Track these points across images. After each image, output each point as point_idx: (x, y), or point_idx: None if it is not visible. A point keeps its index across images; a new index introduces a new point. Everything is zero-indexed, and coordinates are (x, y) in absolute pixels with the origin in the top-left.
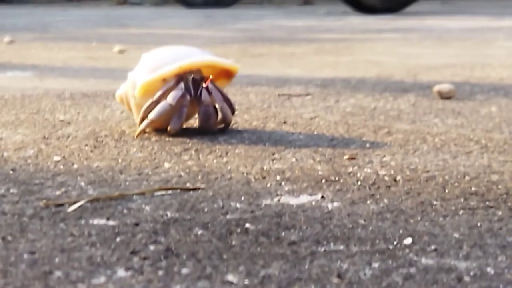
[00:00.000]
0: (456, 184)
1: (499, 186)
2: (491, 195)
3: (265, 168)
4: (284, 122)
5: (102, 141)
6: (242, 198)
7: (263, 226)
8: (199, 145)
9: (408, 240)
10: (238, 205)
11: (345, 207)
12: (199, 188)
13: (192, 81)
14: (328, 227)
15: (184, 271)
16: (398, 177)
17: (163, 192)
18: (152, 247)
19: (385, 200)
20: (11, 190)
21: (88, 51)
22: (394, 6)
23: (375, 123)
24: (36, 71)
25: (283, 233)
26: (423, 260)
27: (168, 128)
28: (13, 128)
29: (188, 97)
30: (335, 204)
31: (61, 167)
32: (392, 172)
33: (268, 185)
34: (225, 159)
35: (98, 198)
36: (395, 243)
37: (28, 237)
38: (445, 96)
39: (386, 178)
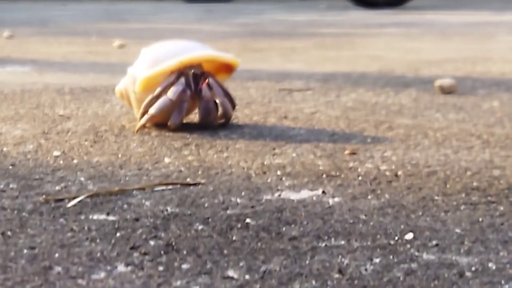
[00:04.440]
0: (457, 179)
1: (501, 181)
2: (493, 190)
3: (265, 163)
4: (285, 117)
5: (102, 136)
6: (243, 193)
7: (263, 221)
8: (200, 140)
9: (409, 236)
10: (238, 200)
11: (346, 202)
12: (199, 183)
13: (192, 76)
14: (329, 222)
15: (185, 266)
16: (399, 172)
17: (163, 187)
18: (152, 243)
19: (386, 195)
20: (11, 185)
21: (87, 45)
22: (395, 1)
23: (376, 118)
24: (36, 66)
25: (283, 228)
26: (425, 256)
27: (169, 123)
28: (12, 123)
29: (188, 92)
30: (336, 199)
31: (61, 162)
32: (393, 167)
33: (269, 180)
34: (225, 154)
35: (98, 193)
36: (396, 238)
37: (27, 232)
38: (446, 91)
39: (387, 173)
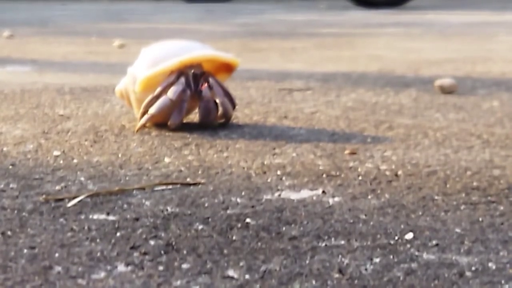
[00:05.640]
0: (457, 179)
1: (501, 181)
2: (493, 190)
3: (265, 163)
4: (285, 117)
5: (102, 136)
6: (243, 193)
7: (263, 221)
8: (200, 140)
9: (409, 235)
10: (238, 200)
11: (346, 202)
12: (199, 183)
13: (192, 76)
14: (329, 222)
15: (185, 266)
16: (399, 172)
17: (163, 187)
18: (152, 242)
19: (386, 195)
20: (11, 185)
21: (87, 45)
22: (395, 1)
23: (376, 118)
24: (36, 65)
25: (283, 228)
26: (425, 255)
27: (169, 123)
28: (12, 122)
29: (188, 92)
30: (336, 199)
31: (61, 162)
32: (393, 167)
33: (269, 180)
34: (225, 154)
35: (98, 193)
36: (396, 238)
37: (28, 232)
38: (446, 91)
39: (387, 173)
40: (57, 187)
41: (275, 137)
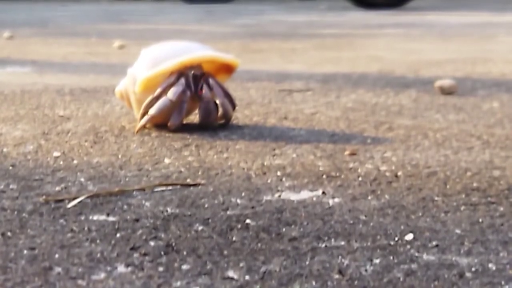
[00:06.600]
0: (457, 179)
1: (501, 182)
2: (493, 191)
3: (265, 163)
4: (285, 118)
5: (102, 137)
6: (243, 194)
7: (263, 222)
8: (200, 141)
9: (409, 236)
10: (238, 201)
11: (346, 203)
12: (199, 184)
13: (192, 77)
14: (329, 223)
15: (185, 267)
16: (399, 173)
17: (163, 188)
18: (152, 243)
19: (386, 196)
20: (11, 186)
21: (87, 46)
22: (395, 1)
23: (376, 119)
24: (36, 66)
25: (283, 229)
26: (425, 256)
27: (169, 124)
28: (12, 123)
29: (188, 92)
30: (336, 200)
31: (61, 162)
32: (393, 167)
33: (269, 180)
34: (225, 155)
35: (98, 194)
36: (396, 239)
37: (28, 233)
38: (446, 92)
39: (387, 173)
40: (57, 188)
41: (275, 138)
